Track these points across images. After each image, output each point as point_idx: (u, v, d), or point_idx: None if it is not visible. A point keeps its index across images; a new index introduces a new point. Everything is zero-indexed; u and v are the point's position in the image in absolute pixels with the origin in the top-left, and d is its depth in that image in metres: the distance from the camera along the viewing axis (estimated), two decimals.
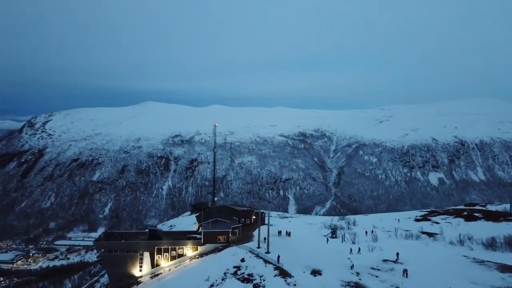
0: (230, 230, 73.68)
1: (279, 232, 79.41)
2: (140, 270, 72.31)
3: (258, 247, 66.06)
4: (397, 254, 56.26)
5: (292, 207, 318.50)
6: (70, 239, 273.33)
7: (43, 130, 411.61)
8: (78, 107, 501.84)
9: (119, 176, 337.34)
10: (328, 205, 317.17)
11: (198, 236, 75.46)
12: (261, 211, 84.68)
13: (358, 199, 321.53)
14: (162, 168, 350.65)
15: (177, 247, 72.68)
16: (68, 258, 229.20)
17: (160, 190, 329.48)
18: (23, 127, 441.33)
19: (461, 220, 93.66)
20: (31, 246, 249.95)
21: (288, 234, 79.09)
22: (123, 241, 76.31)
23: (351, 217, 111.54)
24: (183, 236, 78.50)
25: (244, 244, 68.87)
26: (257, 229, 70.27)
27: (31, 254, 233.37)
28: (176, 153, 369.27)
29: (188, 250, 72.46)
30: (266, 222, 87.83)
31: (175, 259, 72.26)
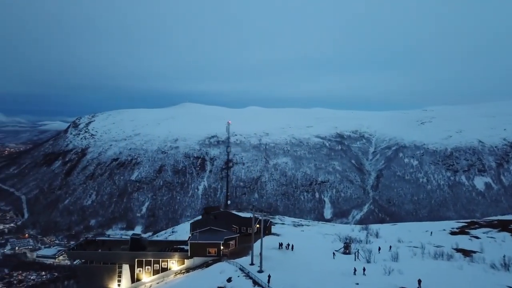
0: (222, 241, 63.75)
1: (280, 245, 68.45)
2: (119, 285, 62.97)
3: (252, 263, 57.02)
4: (419, 281, 45.37)
5: (328, 210, 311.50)
6: (109, 236, 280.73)
7: (86, 130, 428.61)
8: (120, 108, 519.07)
9: (156, 176, 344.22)
10: (365, 209, 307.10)
11: (186, 247, 65.86)
12: (265, 218, 73.53)
13: (398, 203, 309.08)
14: (198, 168, 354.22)
15: (160, 259, 63.17)
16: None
17: (196, 190, 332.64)
18: (68, 127, 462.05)
19: (508, 235, 77.83)
20: (72, 242, 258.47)
21: (291, 247, 67.61)
22: (99, 250, 66.87)
23: (374, 227, 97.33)
24: (170, 247, 68.62)
25: (238, 259, 59.55)
26: (258, 240, 58.45)
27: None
28: (212, 153, 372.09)
29: (174, 264, 63.24)
30: (275, 231, 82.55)
31: (158, 273, 63.00)
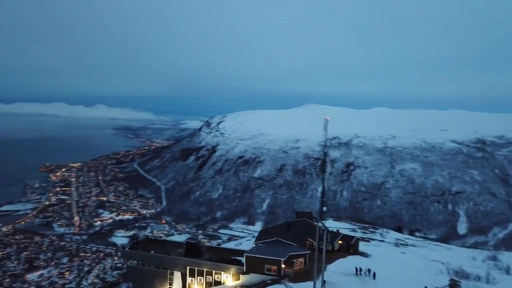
0: (283, 259, 51.45)
1: (358, 270, 54.17)
2: None
3: None
4: None
5: (462, 224, 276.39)
6: (231, 229, 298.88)
7: (217, 129, 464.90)
8: (248, 109, 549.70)
9: (277, 175, 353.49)
10: (510, 227, 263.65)
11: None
12: (346, 233, 60.15)
13: None
14: (318, 170, 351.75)
15: (214, 271, 54.29)
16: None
17: (315, 191, 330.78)
18: (202, 126, 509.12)
19: None
20: (200, 232, 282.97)
21: (372, 275, 52.62)
22: (151, 252, 60.37)
23: (508, 258, 68.18)
24: (228, 257, 58.32)
25: (301, 284, 48.84)
26: (335, 261, 50.12)
27: (198, 239, 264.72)
28: (333, 155, 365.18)
29: (228, 278, 53.65)
30: (364, 250, 67.66)
31: (211, 286, 54.22)
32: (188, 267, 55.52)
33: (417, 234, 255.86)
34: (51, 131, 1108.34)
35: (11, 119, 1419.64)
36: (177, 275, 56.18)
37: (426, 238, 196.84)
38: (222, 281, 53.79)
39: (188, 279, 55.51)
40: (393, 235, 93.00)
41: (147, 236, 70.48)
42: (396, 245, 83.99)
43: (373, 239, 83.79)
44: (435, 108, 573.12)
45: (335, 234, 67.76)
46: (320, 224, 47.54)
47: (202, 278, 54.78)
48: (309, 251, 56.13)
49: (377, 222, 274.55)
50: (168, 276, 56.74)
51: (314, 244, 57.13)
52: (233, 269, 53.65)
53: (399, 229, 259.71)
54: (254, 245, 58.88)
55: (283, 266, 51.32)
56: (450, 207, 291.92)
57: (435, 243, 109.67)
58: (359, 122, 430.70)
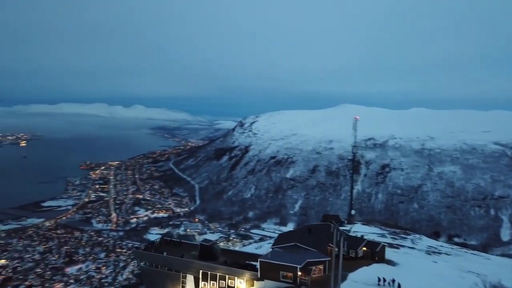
0: (299, 266, 47.83)
1: (381, 281, 49.72)
2: None
3: None
4: None
5: (506, 231, 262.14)
6: (263, 229, 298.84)
7: (250, 129, 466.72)
8: (280, 110, 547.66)
9: (310, 176, 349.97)
10: None
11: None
12: (374, 238, 56.40)
13: None
14: (352, 171, 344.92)
15: (227, 275, 51.33)
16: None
17: (349, 193, 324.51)
18: (235, 127, 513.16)
19: None
20: (232, 231, 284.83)
21: (396, 286, 48.33)
22: (164, 253, 58.00)
23: None
24: (242, 262, 54.59)
25: None
26: (358, 269, 46.98)
27: (230, 238, 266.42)
28: (368, 156, 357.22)
29: (242, 284, 50.72)
30: (391, 258, 62.03)
31: None
32: (201, 271, 53.05)
33: (456, 239, 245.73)
34: (91, 131, 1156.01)
35: (55, 119, 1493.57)
36: (190, 279, 54.02)
37: (465, 245, 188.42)
38: (235, 287, 51.39)
39: (201, 283, 53.21)
40: (425, 241, 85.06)
41: (162, 236, 68.08)
42: (428, 253, 77.17)
43: (402, 246, 77.80)
44: (476, 109, 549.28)
45: (359, 240, 63.40)
46: (337, 229, 45.55)
47: (215, 282, 52.14)
48: (329, 258, 51.44)
49: (413, 226, 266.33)
50: (181, 279, 54.59)
51: (336, 249, 53.24)
52: (247, 274, 50.76)
53: (436, 234, 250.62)
54: (270, 250, 56.45)
55: (299, 273, 47.53)
56: (492, 212, 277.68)
57: (472, 251, 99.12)
58: (395, 122, 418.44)
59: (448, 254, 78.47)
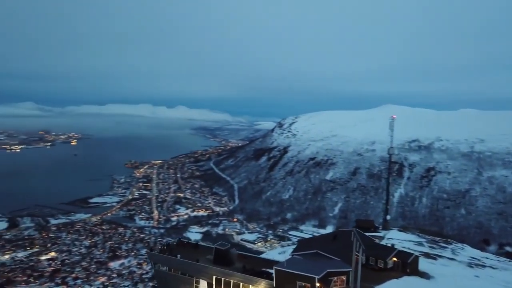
0: (318, 276, 42.61)
1: None
2: None
3: None
4: None
5: None
6: (301, 231, 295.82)
7: (289, 130, 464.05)
8: (321, 110, 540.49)
9: (350, 178, 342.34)
10: None
11: None
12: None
13: None
14: (394, 174, 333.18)
15: (241, 283, 47.71)
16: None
17: (391, 197, 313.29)
18: (274, 127, 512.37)
19: None
20: (270, 232, 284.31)
21: None
22: (178, 256, 55.44)
23: None
24: (258, 269, 50.78)
25: None
26: (386, 282, 42.25)
27: (268, 239, 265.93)
28: (411, 159, 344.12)
29: None
30: (426, 270, 56.16)
31: None
32: (214, 277, 49.96)
33: (508, 248, 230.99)
34: (136, 130, 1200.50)
35: (103, 119, 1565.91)
36: (203, 284, 51.21)
37: None
38: None
39: None
40: (468, 252, 76.46)
41: (180, 238, 65.43)
42: (470, 265, 68.87)
43: (441, 256, 70.93)
44: None
45: (389, 250, 57.11)
46: (356, 238, 42.24)
47: None
48: (349, 270, 46.45)
49: (460, 233, 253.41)
50: (194, 284, 51.90)
51: (363, 259, 50.04)
52: (262, 283, 46.87)
53: (486, 242, 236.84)
54: (289, 257, 52.40)
55: (317, 284, 42.53)
56: None
57: None
58: (441, 124, 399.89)
59: (494, 268, 70.15)
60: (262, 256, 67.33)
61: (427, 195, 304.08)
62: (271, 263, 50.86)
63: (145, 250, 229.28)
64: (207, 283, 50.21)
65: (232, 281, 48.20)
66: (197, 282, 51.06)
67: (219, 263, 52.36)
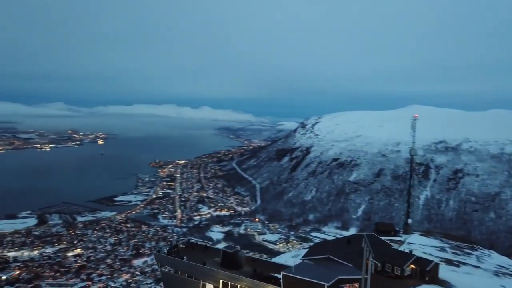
0: (327, 283, 38.85)
1: None
2: None
3: None
4: None
5: None
6: (324, 233, 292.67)
7: (312, 130, 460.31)
8: (344, 111, 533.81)
9: (374, 179, 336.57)
10: None
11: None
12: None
13: None
14: (420, 176, 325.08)
15: None
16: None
17: (417, 199, 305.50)
18: (297, 127, 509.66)
19: None
20: (291, 232, 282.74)
21: None
22: (184, 258, 53.14)
23: None
24: (267, 273, 48.01)
25: None
26: None
27: (290, 240, 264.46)
28: (438, 161, 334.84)
29: None
30: (447, 279, 51.96)
31: None
32: (221, 281, 47.65)
33: None
34: (161, 130, 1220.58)
35: (130, 119, 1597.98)
36: None
37: None
38: None
39: None
40: (495, 259, 70.65)
41: (189, 239, 63.77)
42: (496, 274, 61.53)
43: (464, 264, 66.34)
44: None
45: (406, 256, 53.16)
46: (367, 244, 39.64)
47: None
48: (367, 275, 41.24)
49: (489, 237, 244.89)
50: None
51: (378, 266, 46.85)
52: None
53: None
54: (301, 260, 49.67)
55: None
56: None
57: None
58: (470, 125, 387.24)
59: None
60: (273, 259, 65.31)
61: (454, 198, 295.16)
62: (281, 267, 48.15)
63: (168, 248, 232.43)
64: (214, 287, 48.37)
65: (239, 285, 45.97)
66: (204, 286, 49.32)
67: (226, 266, 50.14)
